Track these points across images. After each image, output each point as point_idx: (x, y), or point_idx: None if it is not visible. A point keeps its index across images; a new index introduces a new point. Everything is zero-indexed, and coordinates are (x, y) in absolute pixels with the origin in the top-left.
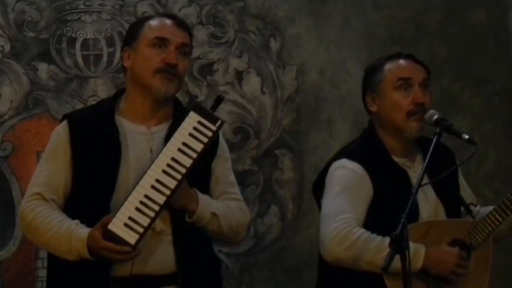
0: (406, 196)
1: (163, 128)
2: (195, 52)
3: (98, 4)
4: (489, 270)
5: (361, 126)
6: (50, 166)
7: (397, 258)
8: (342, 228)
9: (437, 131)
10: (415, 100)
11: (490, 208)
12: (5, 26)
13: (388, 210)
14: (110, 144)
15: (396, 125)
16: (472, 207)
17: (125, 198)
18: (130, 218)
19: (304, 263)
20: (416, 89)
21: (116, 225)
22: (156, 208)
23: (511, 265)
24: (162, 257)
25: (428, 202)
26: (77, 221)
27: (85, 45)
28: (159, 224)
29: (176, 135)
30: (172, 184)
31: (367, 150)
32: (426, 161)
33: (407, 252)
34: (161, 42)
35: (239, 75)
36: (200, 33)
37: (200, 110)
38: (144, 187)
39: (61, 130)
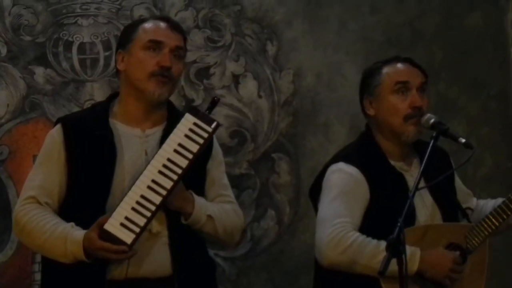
0: (403, 200)
1: (157, 130)
2: (192, 56)
3: (94, 8)
4: (485, 274)
5: (358, 130)
6: (44, 170)
7: (393, 261)
8: (337, 232)
9: (434, 134)
10: (413, 104)
11: (490, 202)
12: (1, 30)
13: (385, 214)
14: (105, 147)
15: (393, 128)
16: (468, 211)
17: (121, 199)
18: (127, 218)
19: (301, 267)
20: (413, 93)
21: (112, 225)
22: (153, 208)
23: (507, 266)
24: (158, 259)
25: (425, 206)
26: (72, 223)
27: (81, 48)
28: (155, 226)
29: (171, 136)
30: (168, 184)
31: (364, 153)
32: (423, 165)
33: (403, 256)
34: (155, 45)
35: (236, 79)
36: (197, 37)
37: (195, 112)
38: (140, 188)
39: (55, 133)
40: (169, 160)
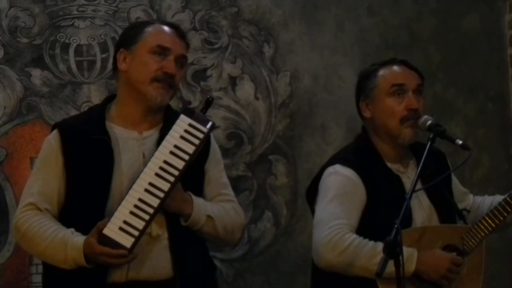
0: (399, 201)
1: (154, 132)
2: (189, 58)
3: (91, 10)
4: (482, 276)
5: (354, 132)
6: (42, 176)
7: (390, 263)
8: (334, 234)
9: (431, 136)
10: (409, 106)
11: (487, 198)
12: None
13: (381, 215)
14: (102, 151)
15: (390, 131)
16: (465, 213)
17: (120, 203)
18: (125, 222)
19: (298, 269)
20: (409, 95)
21: (111, 230)
22: (151, 211)
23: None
24: (159, 262)
25: (421, 208)
26: (72, 229)
27: (78, 51)
28: (155, 229)
29: (167, 138)
30: (166, 186)
31: (360, 156)
32: (420, 167)
33: (400, 257)
34: (162, 50)
35: (233, 81)
36: (194, 39)
37: (190, 113)
38: (137, 191)
39: (52, 139)
40: (165, 162)
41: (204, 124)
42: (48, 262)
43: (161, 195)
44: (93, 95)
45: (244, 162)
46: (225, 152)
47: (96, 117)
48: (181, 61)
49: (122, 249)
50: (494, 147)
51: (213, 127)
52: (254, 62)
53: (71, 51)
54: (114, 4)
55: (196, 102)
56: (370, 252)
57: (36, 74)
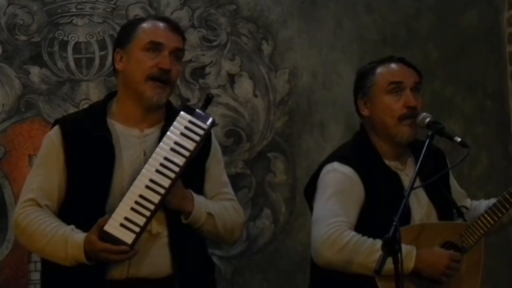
0: (398, 199)
1: (155, 130)
2: (187, 55)
3: (89, 7)
4: (480, 273)
5: (353, 129)
6: (43, 172)
7: (389, 260)
8: (333, 232)
9: (429, 134)
10: (407, 104)
11: (483, 202)
12: None
13: (380, 213)
14: (103, 148)
15: (388, 130)
16: (463, 210)
17: (120, 200)
18: (126, 218)
19: (297, 266)
20: (407, 93)
21: (112, 226)
22: (152, 207)
23: (502, 267)
24: (158, 260)
25: (420, 205)
26: (72, 226)
27: (77, 48)
28: (155, 227)
29: (167, 135)
30: (167, 183)
31: (358, 153)
32: (418, 164)
33: (399, 254)
34: (155, 46)
35: (231, 78)
36: (192, 36)
37: (190, 110)
38: (138, 187)
39: (53, 135)
40: (166, 159)
41: (205, 121)
42: (47, 259)
43: (162, 191)
44: (92, 92)
45: (243, 159)
46: (224, 150)
47: (97, 114)
48: (176, 54)
49: (123, 245)
50: (492, 144)
51: (213, 123)
52: (253, 59)
53: (70, 48)
54: (113, 2)
55: (194, 99)
56: (369, 250)
57: (35, 72)
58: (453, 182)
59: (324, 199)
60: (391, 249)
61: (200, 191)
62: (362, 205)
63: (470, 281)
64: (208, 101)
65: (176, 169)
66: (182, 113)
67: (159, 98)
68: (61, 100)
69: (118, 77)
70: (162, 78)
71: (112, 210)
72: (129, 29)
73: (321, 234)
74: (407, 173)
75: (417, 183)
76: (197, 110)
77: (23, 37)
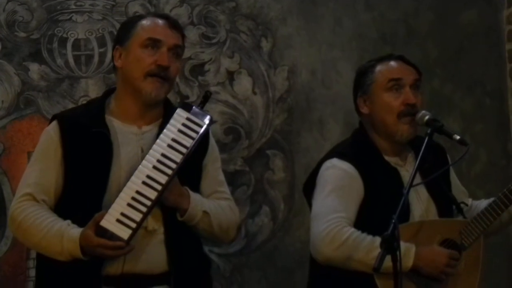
0: (397, 195)
1: (153, 127)
2: (187, 53)
3: (89, 4)
4: (479, 270)
5: (352, 127)
6: (40, 167)
7: (388, 257)
8: (332, 228)
9: (428, 131)
10: (406, 101)
11: (484, 202)
12: None
13: (379, 209)
14: (101, 144)
15: (387, 127)
16: (463, 206)
17: (117, 196)
18: (123, 214)
19: (295, 263)
20: (407, 90)
21: (109, 221)
22: (148, 203)
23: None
24: (154, 256)
25: (420, 201)
26: (68, 221)
27: (76, 45)
28: (151, 224)
29: (165, 132)
30: (164, 179)
31: (358, 149)
32: (417, 163)
33: (398, 252)
34: (153, 43)
35: (231, 76)
36: (192, 34)
37: (188, 107)
38: (135, 183)
39: (52, 130)
40: (163, 155)
41: (202, 118)
42: (43, 254)
43: (159, 187)
44: (91, 89)
45: (242, 156)
46: (223, 147)
47: (96, 110)
48: (175, 51)
49: (120, 241)
50: (491, 142)
51: (211, 121)
52: (252, 56)
53: (69, 45)
54: None
55: (194, 96)
56: (368, 246)
57: (34, 69)
58: (454, 180)
59: (324, 195)
60: (390, 246)
61: (196, 189)
62: (362, 201)
63: (469, 279)
64: (206, 98)
65: (173, 165)
66: (179, 110)
67: (157, 93)
68: (60, 97)
69: (117, 74)
70: (161, 75)
71: (109, 207)
72: (128, 26)
73: (320, 230)
74: (407, 168)
75: (417, 179)
76: (194, 107)
77: (22, 34)
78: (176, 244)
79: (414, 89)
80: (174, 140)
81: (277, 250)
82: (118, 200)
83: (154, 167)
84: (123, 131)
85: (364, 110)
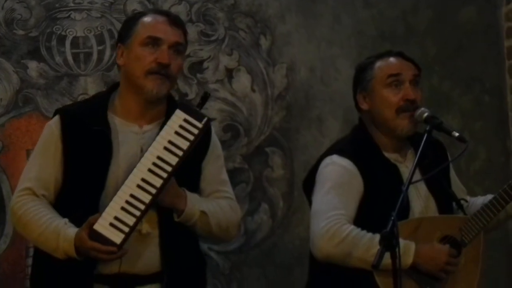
0: (397, 191)
1: (155, 127)
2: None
3: (87, 2)
4: (479, 267)
5: (351, 124)
6: (41, 161)
7: (387, 255)
8: (332, 225)
9: (427, 128)
10: (406, 97)
11: (480, 198)
12: None
13: (379, 205)
14: (101, 142)
15: (387, 123)
16: (463, 202)
17: (113, 198)
18: (116, 218)
19: (295, 261)
20: (406, 85)
21: (102, 225)
22: (142, 207)
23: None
24: (148, 259)
25: (419, 197)
26: (66, 220)
27: (75, 43)
28: (145, 227)
29: (162, 133)
30: (158, 183)
31: (357, 146)
32: (416, 160)
33: (397, 250)
34: (153, 41)
35: (229, 73)
36: (190, 31)
37: (186, 108)
38: (129, 187)
39: (53, 125)
40: (159, 158)
41: (200, 120)
42: (41, 248)
43: (153, 191)
44: (90, 87)
45: (241, 154)
46: (222, 144)
47: (98, 107)
48: (176, 48)
49: (112, 245)
50: (490, 139)
51: (208, 122)
52: (251, 54)
53: (68, 43)
54: None
55: (192, 94)
56: (368, 243)
57: (33, 66)
58: (454, 177)
59: (323, 192)
60: (389, 244)
61: (195, 189)
62: (361, 198)
63: (469, 275)
64: (204, 99)
65: (169, 168)
66: (177, 111)
67: (158, 90)
68: (59, 94)
69: (120, 72)
70: (162, 73)
71: (106, 205)
72: (129, 24)
73: (320, 227)
74: (407, 165)
75: (417, 175)
76: (192, 108)
77: (21, 32)
78: (170, 246)
79: (414, 84)
80: (170, 142)
81: (276, 248)
82: (112, 203)
83: (149, 170)
84: (124, 130)
85: (364, 106)
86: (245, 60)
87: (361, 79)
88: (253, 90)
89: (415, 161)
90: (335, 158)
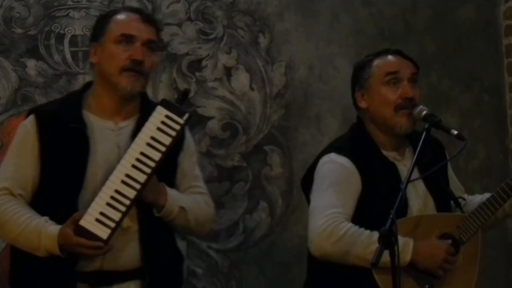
0: (395, 189)
1: (130, 123)
2: (184, 48)
3: (86, 0)
4: (477, 264)
5: (349, 122)
6: (17, 161)
7: (386, 252)
8: (330, 223)
9: (426, 126)
10: (404, 95)
11: (478, 197)
12: None
13: (377, 204)
14: (78, 140)
15: (386, 120)
16: (461, 201)
17: (95, 194)
18: (102, 214)
19: (293, 259)
20: (404, 84)
21: (88, 221)
22: (127, 202)
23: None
24: (128, 253)
25: (418, 195)
26: (46, 218)
27: (73, 41)
28: (125, 221)
29: (144, 129)
30: (142, 178)
31: (356, 144)
32: (414, 158)
33: (396, 247)
34: (127, 38)
35: (228, 71)
36: (189, 29)
37: (167, 104)
38: (114, 183)
39: (29, 125)
40: (142, 153)
41: (181, 116)
42: (21, 248)
43: (138, 186)
44: None
45: (239, 152)
46: (220, 143)
47: (73, 105)
48: (149, 46)
49: (99, 241)
50: (489, 138)
51: (189, 118)
52: (249, 52)
53: (66, 41)
54: None
55: (191, 92)
56: (366, 241)
57: (31, 65)
58: (452, 175)
59: (321, 190)
60: (388, 241)
61: (172, 184)
62: (359, 196)
63: (467, 273)
64: (185, 95)
65: (152, 164)
66: (159, 107)
67: (133, 86)
68: (57, 93)
69: (94, 70)
70: (135, 69)
71: (85, 203)
72: (102, 22)
73: (318, 226)
74: (405, 163)
75: (415, 174)
76: (173, 104)
77: (19, 30)
78: (150, 241)
79: (412, 82)
80: (153, 138)
81: (275, 246)
82: (97, 199)
83: (133, 166)
84: (100, 127)
85: (362, 104)
86: (243, 58)
87: (359, 77)
88: (251, 89)
89: (414, 160)
90: (333, 156)
